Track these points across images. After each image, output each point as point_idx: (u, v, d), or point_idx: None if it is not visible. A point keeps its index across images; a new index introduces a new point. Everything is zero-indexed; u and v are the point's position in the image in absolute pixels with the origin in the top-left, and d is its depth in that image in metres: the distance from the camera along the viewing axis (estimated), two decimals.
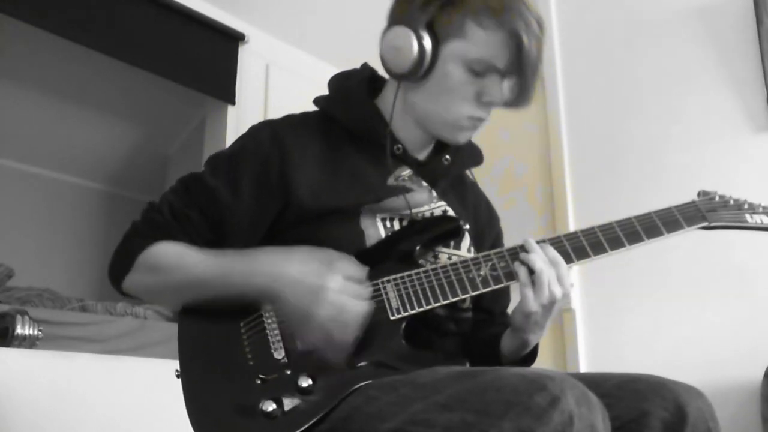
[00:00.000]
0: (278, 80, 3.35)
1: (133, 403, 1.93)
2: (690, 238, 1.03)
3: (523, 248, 0.93)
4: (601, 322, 2.34)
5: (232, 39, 3.21)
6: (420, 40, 0.95)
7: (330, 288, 0.85)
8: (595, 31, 2.57)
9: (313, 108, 1.10)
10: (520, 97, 0.99)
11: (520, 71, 0.96)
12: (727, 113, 2.14)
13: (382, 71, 1.05)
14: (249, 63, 3.27)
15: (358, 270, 0.90)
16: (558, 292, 0.90)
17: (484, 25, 0.94)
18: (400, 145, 1.05)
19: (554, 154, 2.60)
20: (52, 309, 2.49)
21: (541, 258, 0.91)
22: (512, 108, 1.01)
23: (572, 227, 2.44)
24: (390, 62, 0.99)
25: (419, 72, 0.96)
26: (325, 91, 1.11)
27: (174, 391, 0.91)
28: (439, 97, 0.99)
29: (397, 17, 1.00)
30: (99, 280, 4.16)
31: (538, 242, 0.94)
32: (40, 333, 1.92)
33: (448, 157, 1.09)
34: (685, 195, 1.07)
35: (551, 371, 0.71)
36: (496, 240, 1.18)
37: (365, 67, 1.11)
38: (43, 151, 4.22)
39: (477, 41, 0.94)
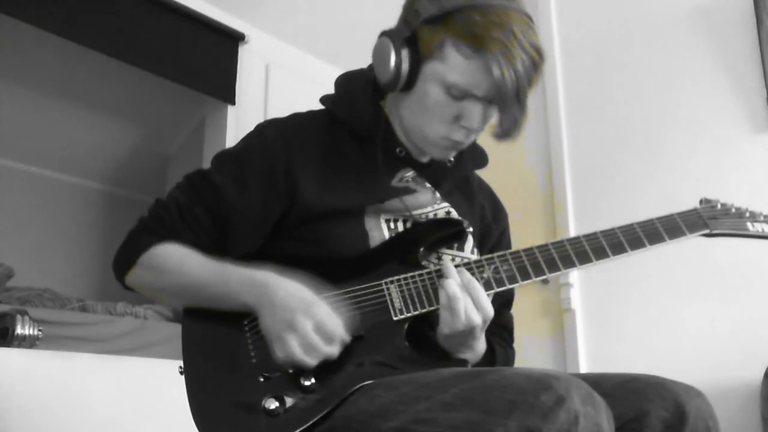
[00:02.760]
0: (278, 80, 3.35)
1: (133, 403, 1.93)
2: (690, 239, 1.03)
3: (439, 273, 0.93)
4: (601, 322, 2.34)
5: (232, 39, 3.21)
6: (398, 55, 0.94)
7: (296, 328, 0.85)
8: (595, 32, 2.57)
9: (314, 107, 1.10)
10: (503, 129, 0.97)
11: (499, 104, 0.93)
12: (727, 113, 2.15)
13: None
14: (249, 63, 3.27)
15: (332, 324, 0.87)
16: (475, 317, 0.88)
17: (462, 51, 0.90)
18: (402, 148, 1.05)
19: (554, 154, 2.60)
20: (52, 309, 2.49)
21: (456, 283, 0.89)
22: (497, 139, 0.98)
23: (572, 228, 2.45)
24: (375, 70, 1.00)
25: (397, 86, 0.96)
26: (324, 91, 1.11)
27: (174, 391, 0.92)
28: (419, 113, 0.98)
29: (394, 26, 1.00)
30: (99, 280, 4.17)
31: (456, 266, 0.92)
32: (40, 333, 1.92)
33: (451, 159, 1.09)
34: (685, 194, 1.08)
35: (556, 371, 0.71)
36: (502, 236, 1.18)
37: (372, 68, 1.11)
38: (43, 151, 4.22)
39: (455, 66, 0.91)
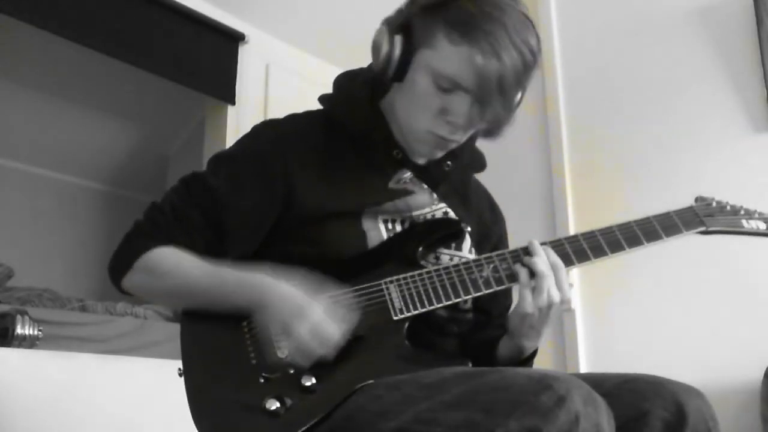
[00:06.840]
0: (278, 80, 3.34)
1: (133, 403, 1.93)
2: (690, 238, 1.03)
3: (527, 250, 0.94)
4: (601, 322, 2.34)
5: (232, 39, 3.21)
6: (391, 41, 0.94)
7: (290, 332, 0.85)
8: (595, 32, 2.57)
9: (314, 107, 1.10)
10: (485, 125, 0.95)
11: (481, 95, 0.91)
12: (727, 113, 2.15)
13: None
14: (249, 63, 3.27)
15: (328, 328, 0.87)
16: (556, 296, 0.91)
17: (452, 39, 0.89)
18: (399, 150, 1.04)
19: (554, 155, 2.60)
20: (52, 309, 2.49)
21: (544, 261, 0.92)
22: (483, 138, 0.98)
23: (572, 228, 2.44)
24: (372, 59, 0.99)
25: (388, 73, 0.95)
26: (324, 91, 1.10)
27: (174, 391, 0.91)
28: (408, 104, 0.97)
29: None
30: (99, 280, 4.16)
31: (541, 244, 0.94)
32: (40, 333, 1.92)
33: (449, 163, 1.07)
34: (685, 195, 1.08)
35: (556, 371, 0.71)
36: (499, 241, 1.18)
37: (372, 67, 1.09)
38: (43, 151, 4.22)
39: (443, 53, 0.90)
